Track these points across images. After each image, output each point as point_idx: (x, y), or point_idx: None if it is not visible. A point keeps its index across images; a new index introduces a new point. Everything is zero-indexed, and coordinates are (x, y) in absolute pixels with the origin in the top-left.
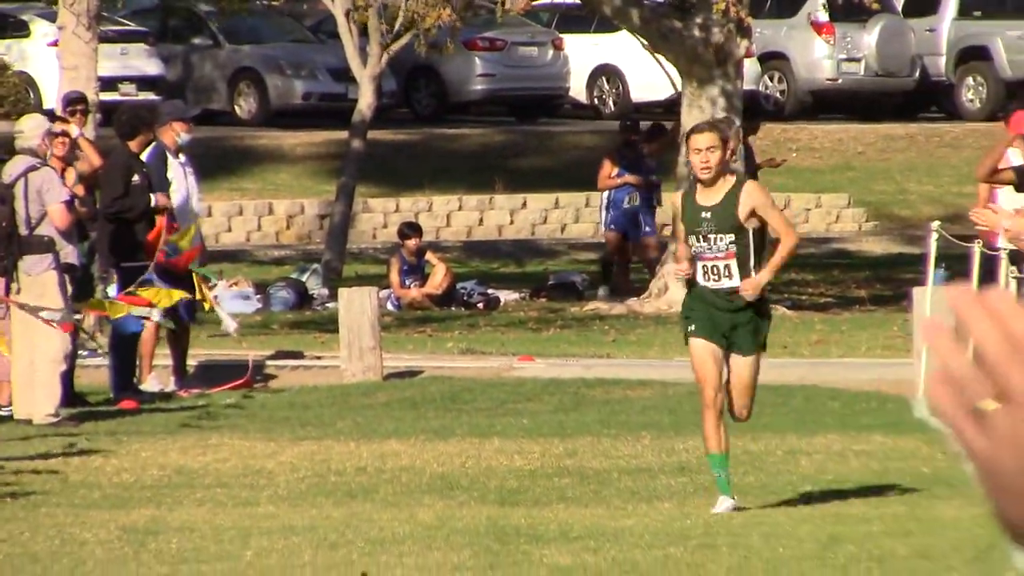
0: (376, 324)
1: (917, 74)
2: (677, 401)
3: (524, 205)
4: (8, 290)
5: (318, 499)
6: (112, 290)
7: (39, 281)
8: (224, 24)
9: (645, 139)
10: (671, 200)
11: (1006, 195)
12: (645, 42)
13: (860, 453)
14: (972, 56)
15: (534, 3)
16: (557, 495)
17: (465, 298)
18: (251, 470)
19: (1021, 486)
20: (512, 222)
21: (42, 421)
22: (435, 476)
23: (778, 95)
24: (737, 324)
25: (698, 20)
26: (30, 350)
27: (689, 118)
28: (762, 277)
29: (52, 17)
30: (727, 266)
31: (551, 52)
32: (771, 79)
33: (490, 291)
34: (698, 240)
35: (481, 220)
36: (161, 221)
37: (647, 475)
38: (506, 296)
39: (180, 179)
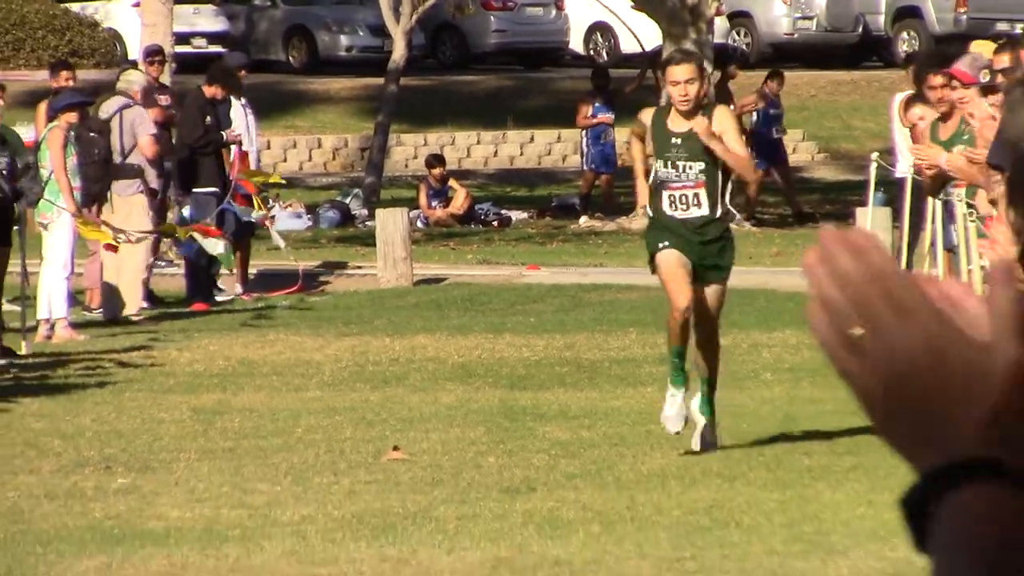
0: (407, 239)
1: (860, 29)
2: (659, 303)
3: (532, 140)
4: (100, 210)
5: (357, 385)
6: (186, 211)
7: (128, 202)
8: None
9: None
10: (639, 116)
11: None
12: (633, 3)
13: (812, 346)
14: (906, 15)
15: None
16: (557, 381)
17: (482, 217)
18: (301, 361)
19: (887, 405)
20: (522, 153)
21: (126, 320)
22: (456, 365)
23: (744, 47)
24: (705, 256)
25: None
26: (117, 260)
27: None
28: (714, 141)
29: None
30: (696, 195)
31: (554, 12)
32: (738, 34)
33: (503, 211)
34: (666, 166)
35: (496, 152)
36: (236, 151)
37: (633, 364)
38: (516, 215)
39: (240, 118)
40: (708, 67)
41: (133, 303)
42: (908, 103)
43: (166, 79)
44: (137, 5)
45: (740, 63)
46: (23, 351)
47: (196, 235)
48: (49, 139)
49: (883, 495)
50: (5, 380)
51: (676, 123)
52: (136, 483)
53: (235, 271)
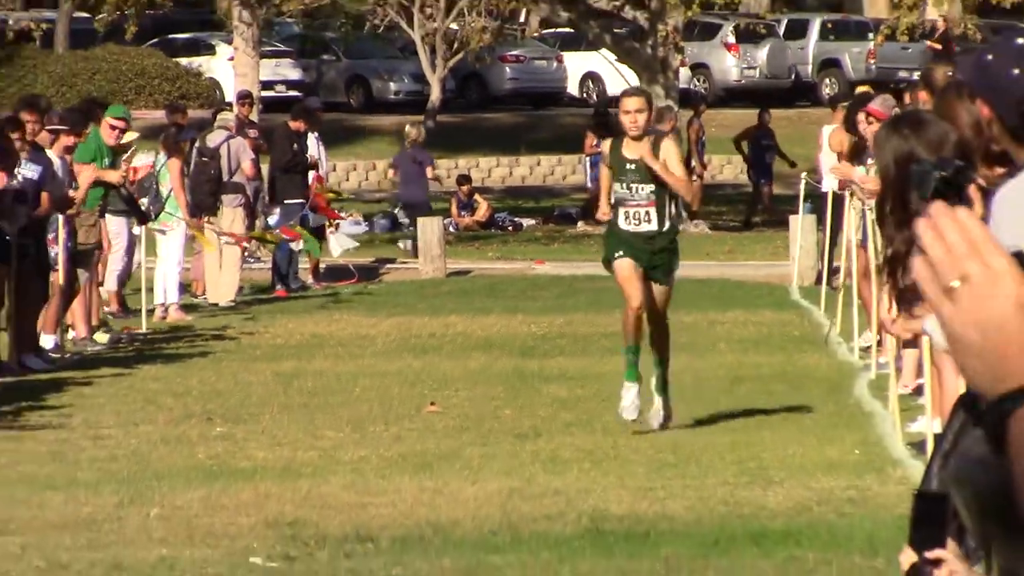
0: (442, 240)
1: (793, 77)
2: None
3: (539, 163)
4: (208, 219)
5: (403, 354)
6: (271, 219)
7: (233, 212)
8: (343, 46)
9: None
10: (602, 147)
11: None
12: (615, 56)
13: (756, 323)
14: (828, 65)
15: (543, 31)
16: (558, 351)
17: (500, 224)
18: (359, 335)
19: (977, 346)
20: (531, 174)
21: (224, 304)
22: (479, 338)
23: (703, 91)
24: (655, 263)
25: (649, 42)
26: (218, 257)
27: None
28: (653, 162)
29: (230, 41)
30: (647, 212)
31: (555, 64)
32: (698, 80)
33: (516, 219)
34: (623, 187)
35: (511, 173)
36: (315, 175)
37: (617, 338)
38: (526, 222)
39: (315, 147)
40: (675, 107)
41: (230, 291)
42: (834, 134)
43: (254, 117)
44: (231, 59)
45: (703, 103)
46: (144, 328)
47: (284, 235)
48: (170, 165)
49: (809, 438)
50: (129, 351)
51: (629, 151)
52: (231, 431)
53: (309, 265)
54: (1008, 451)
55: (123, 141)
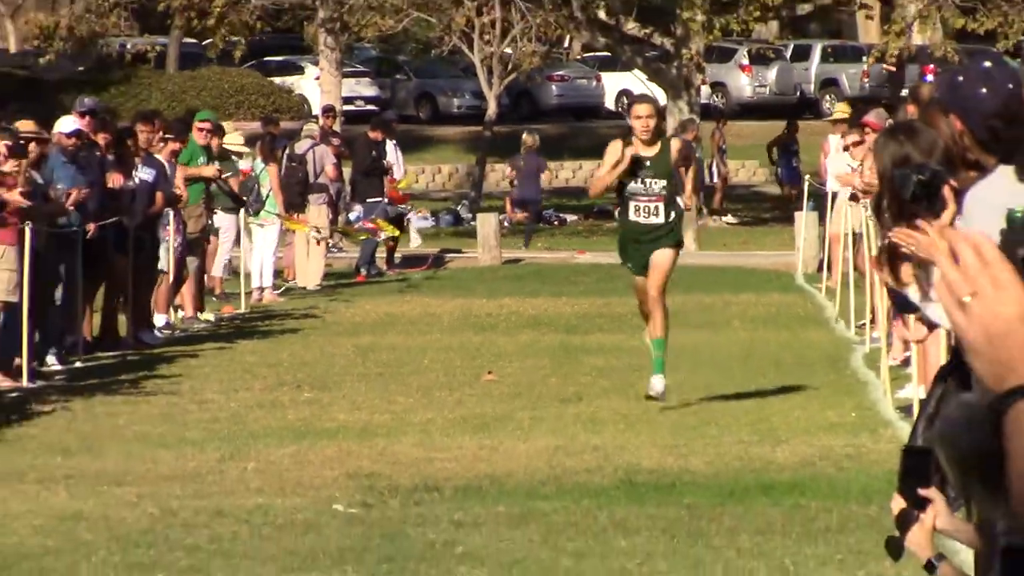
0: (497, 232)
1: (798, 93)
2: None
3: (580, 167)
4: (297, 215)
5: (464, 331)
6: (353, 215)
7: (319, 209)
8: (413, 67)
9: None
10: (612, 144)
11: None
12: (646, 76)
13: (765, 304)
14: (829, 84)
15: (584, 54)
16: (597, 327)
17: (547, 219)
18: (427, 314)
19: (985, 351)
20: (574, 176)
21: (311, 287)
22: (530, 317)
23: (721, 106)
24: (654, 248)
25: (675, 64)
26: (307, 247)
27: (671, 118)
28: (691, 194)
29: (317, 63)
30: (656, 207)
31: (595, 82)
32: (717, 97)
33: (561, 215)
34: (637, 183)
35: (556, 175)
36: (388, 177)
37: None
38: (570, 218)
39: (392, 153)
40: (696, 118)
41: (316, 276)
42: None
43: (337, 128)
44: (318, 78)
45: (724, 117)
46: (242, 309)
47: (365, 227)
48: (269, 171)
49: (812, 403)
50: (229, 328)
51: (643, 150)
52: (316, 397)
53: (385, 254)
54: (1005, 439)
55: (230, 146)
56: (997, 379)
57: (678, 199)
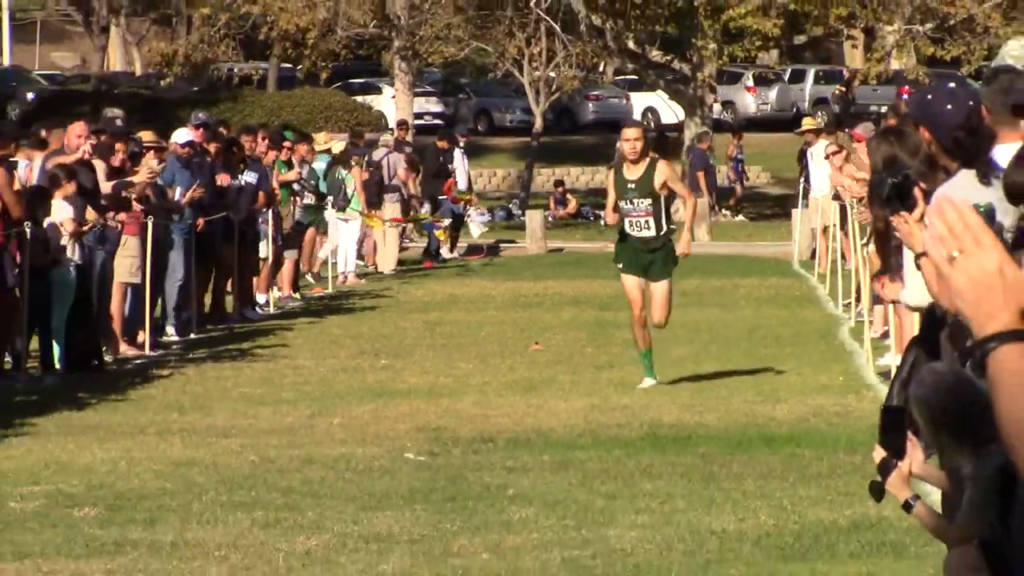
0: (543, 226)
1: (795, 110)
2: (685, 262)
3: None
4: (374, 211)
5: (515, 308)
6: (424, 210)
7: (390, 206)
8: (473, 88)
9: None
10: (606, 175)
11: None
12: (667, 95)
13: (768, 287)
14: (820, 102)
15: (616, 77)
16: (626, 306)
17: (585, 215)
18: (483, 295)
19: (970, 299)
20: (606, 179)
21: (387, 272)
22: (570, 297)
23: (730, 120)
24: (652, 260)
25: (691, 85)
26: (383, 236)
27: (688, 131)
28: (687, 241)
29: (392, 84)
30: (647, 221)
31: (624, 100)
32: (726, 113)
33: (597, 212)
34: (627, 203)
35: (592, 178)
36: (450, 180)
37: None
38: (604, 214)
39: (459, 160)
40: (710, 131)
41: (391, 262)
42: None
43: (409, 138)
44: (393, 97)
45: (740, 130)
46: (330, 290)
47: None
48: (354, 174)
49: (806, 368)
50: (319, 306)
51: (630, 173)
52: (391, 363)
53: (447, 241)
54: (989, 380)
55: (330, 148)
56: (981, 326)
57: (674, 213)
